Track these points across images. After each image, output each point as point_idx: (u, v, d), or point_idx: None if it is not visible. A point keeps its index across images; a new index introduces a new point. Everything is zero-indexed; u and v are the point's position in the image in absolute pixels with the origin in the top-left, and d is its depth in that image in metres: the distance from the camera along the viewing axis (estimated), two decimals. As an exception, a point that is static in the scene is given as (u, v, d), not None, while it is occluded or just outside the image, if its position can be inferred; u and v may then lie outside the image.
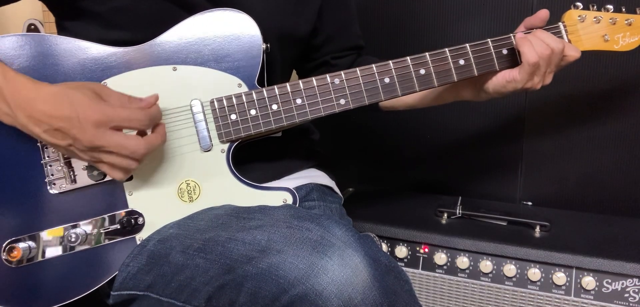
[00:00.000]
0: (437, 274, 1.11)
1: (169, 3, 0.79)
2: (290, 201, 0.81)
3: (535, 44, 0.82)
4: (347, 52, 1.04)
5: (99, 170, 0.75)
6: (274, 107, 0.80)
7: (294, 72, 1.08)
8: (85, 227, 0.77)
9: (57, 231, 0.76)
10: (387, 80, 0.83)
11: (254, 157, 0.87)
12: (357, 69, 0.82)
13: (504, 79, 0.85)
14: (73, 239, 0.76)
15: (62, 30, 0.84)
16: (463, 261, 1.08)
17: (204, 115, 0.79)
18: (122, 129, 0.69)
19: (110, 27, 0.79)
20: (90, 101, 0.68)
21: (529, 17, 0.87)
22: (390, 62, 0.83)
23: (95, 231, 0.77)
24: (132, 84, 0.77)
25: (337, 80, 0.81)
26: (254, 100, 0.80)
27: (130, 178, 0.78)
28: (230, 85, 0.80)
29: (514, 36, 0.85)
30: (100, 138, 0.67)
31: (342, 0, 1.01)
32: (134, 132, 0.72)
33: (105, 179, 0.77)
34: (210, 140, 0.79)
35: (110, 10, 0.79)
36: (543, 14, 0.86)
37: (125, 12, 0.79)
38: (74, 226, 0.76)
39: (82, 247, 0.77)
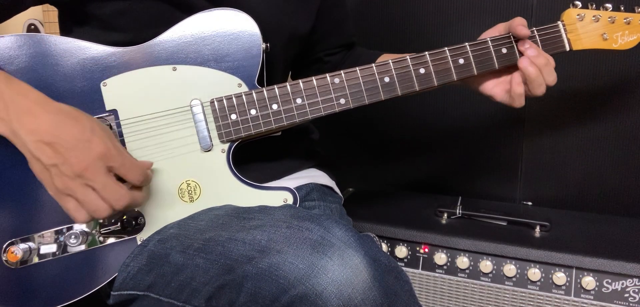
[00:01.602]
0: (437, 274, 1.11)
1: (168, 5, 0.79)
2: (290, 200, 0.81)
3: (534, 86, 0.83)
4: (340, 49, 1.05)
5: (61, 203, 0.69)
6: (274, 106, 0.80)
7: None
8: (86, 227, 0.77)
9: (57, 232, 0.76)
10: (387, 79, 0.83)
11: (254, 157, 0.87)
12: (357, 68, 0.82)
13: (484, 92, 0.89)
14: (73, 240, 0.76)
15: (68, 32, 0.85)
16: (463, 261, 1.08)
17: (204, 115, 0.79)
18: (116, 173, 0.69)
19: (110, 29, 0.80)
20: (104, 135, 0.68)
21: (514, 26, 0.85)
22: (390, 61, 0.83)
23: (96, 231, 0.77)
24: (132, 84, 0.77)
25: (337, 80, 0.81)
26: (254, 100, 0.80)
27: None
28: (230, 85, 0.80)
29: (513, 39, 0.85)
30: (94, 171, 0.66)
31: None
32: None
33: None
34: (211, 140, 0.79)
35: (110, 13, 0.79)
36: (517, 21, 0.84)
37: (124, 14, 0.79)
38: (74, 227, 0.76)
39: (82, 248, 0.77)
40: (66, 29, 0.85)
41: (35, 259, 0.76)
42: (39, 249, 0.76)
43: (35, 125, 0.65)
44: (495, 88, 0.88)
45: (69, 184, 0.66)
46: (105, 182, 0.67)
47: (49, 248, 0.76)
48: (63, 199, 0.68)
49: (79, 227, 0.76)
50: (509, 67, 0.86)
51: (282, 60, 0.91)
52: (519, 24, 0.84)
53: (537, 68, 0.82)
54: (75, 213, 0.68)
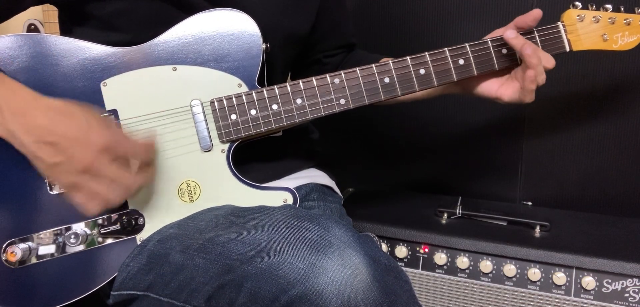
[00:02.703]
0: (437, 274, 1.11)
1: (168, 5, 0.79)
2: (290, 200, 0.81)
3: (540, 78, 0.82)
4: (339, 50, 1.05)
5: (72, 197, 0.68)
6: (274, 107, 0.80)
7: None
8: (86, 227, 0.77)
9: (57, 232, 0.76)
10: (387, 80, 0.83)
11: (254, 157, 0.87)
12: (357, 68, 0.82)
13: (488, 94, 0.88)
14: (73, 240, 0.76)
15: (68, 33, 0.85)
16: (463, 261, 1.08)
17: (204, 115, 0.79)
18: (123, 159, 0.69)
19: (110, 29, 0.80)
20: (101, 125, 0.67)
21: (521, 16, 0.86)
22: (390, 61, 0.83)
23: (96, 231, 0.77)
24: (132, 84, 0.77)
25: (337, 80, 0.81)
26: (254, 100, 0.80)
27: None
28: (230, 85, 0.80)
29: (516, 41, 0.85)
30: (99, 164, 0.66)
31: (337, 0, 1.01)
32: None
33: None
34: (211, 141, 0.79)
35: (110, 13, 0.79)
36: (536, 13, 0.84)
37: (124, 15, 0.79)
38: (74, 227, 0.76)
39: (82, 248, 0.77)
40: (66, 29, 0.85)
41: (35, 259, 0.76)
42: (38, 249, 0.76)
43: (31, 125, 0.65)
44: (501, 89, 0.87)
45: (77, 181, 0.66)
46: (114, 172, 0.67)
47: (49, 248, 0.76)
48: (72, 194, 0.68)
49: (78, 227, 0.76)
50: (509, 67, 0.86)
51: (281, 60, 0.91)
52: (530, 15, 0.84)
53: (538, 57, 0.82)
54: (87, 206, 0.68)
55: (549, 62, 0.83)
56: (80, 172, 0.66)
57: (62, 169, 0.66)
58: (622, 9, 0.89)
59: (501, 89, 0.87)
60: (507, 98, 0.86)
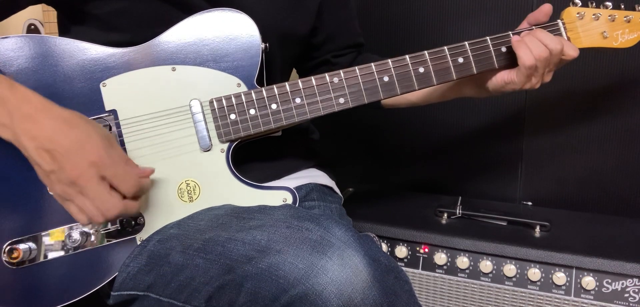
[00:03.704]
0: (437, 274, 1.10)
1: (168, 5, 0.79)
2: (290, 200, 0.81)
3: (533, 46, 0.81)
4: (348, 50, 1.04)
5: (64, 205, 0.70)
6: (273, 106, 0.80)
7: (295, 71, 1.08)
8: (85, 228, 0.77)
9: (57, 232, 0.76)
10: (386, 79, 0.83)
11: (253, 156, 0.87)
12: (356, 68, 0.82)
13: (502, 81, 0.86)
14: (73, 240, 0.76)
15: (65, 32, 0.85)
16: (463, 261, 1.08)
17: (203, 115, 0.79)
18: (110, 182, 0.69)
19: (109, 29, 0.80)
20: (100, 141, 0.68)
21: (532, 12, 0.87)
22: (389, 60, 0.83)
23: (95, 231, 0.77)
24: (131, 84, 0.77)
25: (336, 79, 0.81)
26: (253, 100, 0.80)
27: None
28: (230, 85, 0.80)
29: (512, 35, 0.85)
30: (86, 178, 0.66)
31: None
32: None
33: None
34: (210, 140, 0.79)
35: (110, 13, 0.79)
36: (546, 8, 0.85)
37: (124, 14, 0.79)
38: (74, 227, 0.76)
39: (83, 248, 0.77)
40: (65, 29, 0.85)
41: (35, 260, 0.76)
42: (38, 249, 0.76)
43: (36, 132, 0.66)
44: (513, 73, 0.85)
45: (67, 190, 0.67)
46: (97, 191, 0.67)
47: (50, 248, 0.76)
48: (64, 202, 0.69)
49: (78, 227, 0.76)
50: (509, 65, 0.86)
51: (281, 60, 0.91)
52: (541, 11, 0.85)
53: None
54: (77, 216, 0.69)
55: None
56: (69, 183, 0.67)
57: (55, 178, 0.67)
58: (622, 6, 0.89)
59: (511, 73, 0.85)
60: (518, 79, 0.84)
